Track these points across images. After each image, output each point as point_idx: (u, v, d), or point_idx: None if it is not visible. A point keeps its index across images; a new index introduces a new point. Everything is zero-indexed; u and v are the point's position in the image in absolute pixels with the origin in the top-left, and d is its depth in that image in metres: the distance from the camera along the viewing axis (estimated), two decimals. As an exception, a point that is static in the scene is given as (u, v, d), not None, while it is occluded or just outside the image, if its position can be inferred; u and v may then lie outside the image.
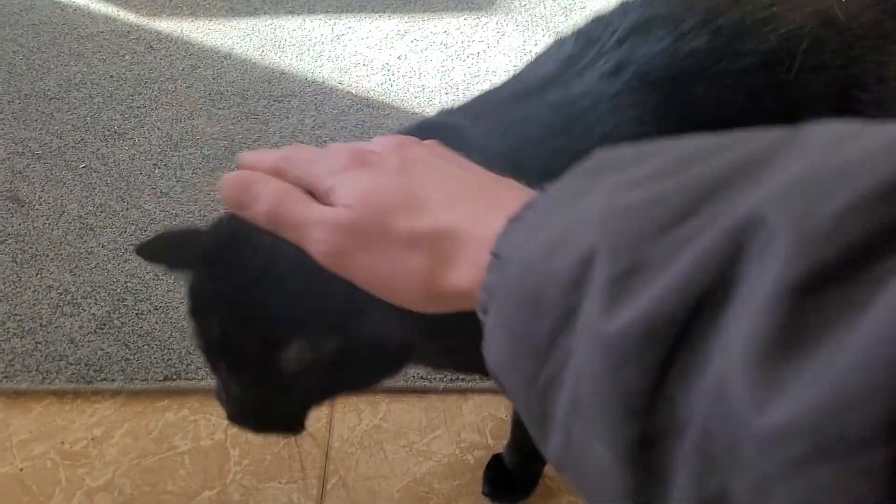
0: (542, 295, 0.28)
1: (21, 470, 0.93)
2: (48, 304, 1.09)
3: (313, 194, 0.40)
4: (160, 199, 1.25)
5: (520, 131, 0.63)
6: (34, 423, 0.97)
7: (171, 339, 1.04)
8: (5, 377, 1.00)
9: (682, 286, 0.23)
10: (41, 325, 1.06)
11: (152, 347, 1.03)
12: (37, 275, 1.13)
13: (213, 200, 1.25)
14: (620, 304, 0.25)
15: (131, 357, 1.02)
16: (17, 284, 1.11)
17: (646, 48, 0.66)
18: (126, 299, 1.10)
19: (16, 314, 1.08)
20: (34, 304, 1.09)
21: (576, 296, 0.27)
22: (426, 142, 0.44)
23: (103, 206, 1.24)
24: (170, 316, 1.07)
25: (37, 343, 1.04)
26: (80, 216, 1.22)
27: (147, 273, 1.13)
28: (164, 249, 0.56)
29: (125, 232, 1.20)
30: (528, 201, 0.33)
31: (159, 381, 0.99)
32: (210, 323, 0.53)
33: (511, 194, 0.37)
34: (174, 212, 1.23)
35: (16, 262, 1.15)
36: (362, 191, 0.38)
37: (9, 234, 1.19)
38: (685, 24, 0.66)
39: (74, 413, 0.98)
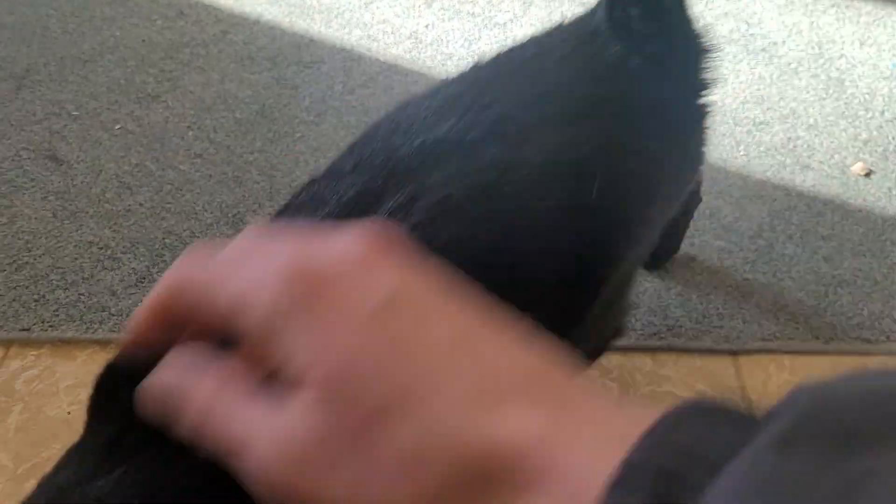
0: None
1: (69, 413, 0.97)
2: (89, 258, 1.13)
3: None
4: (194, 161, 1.28)
5: None
6: (79, 370, 1.01)
7: (208, 294, 1.08)
8: (51, 326, 1.04)
9: None
10: (83, 278, 1.10)
11: (191, 301, 1.07)
12: (77, 230, 1.17)
13: (245, 163, 1.28)
14: None
15: (171, 309, 1.06)
16: (58, 239, 1.15)
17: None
18: (164, 255, 1.13)
19: (58, 267, 1.11)
20: (76, 258, 1.13)
21: None
22: (393, 241, 0.27)
23: (139, 166, 1.27)
24: (207, 271, 1.11)
25: (79, 295, 1.08)
26: (118, 175, 1.26)
27: (184, 230, 1.17)
28: None
29: (161, 191, 1.23)
30: (651, 457, 0.21)
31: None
32: None
33: (568, 389, 0.24)
34: (209, 172, 1.26)
35: (57, 218, 1.18)
36: (327, 379, 0.24)
37: (49, 192, 1.22)
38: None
39: (117, 361, 1.02)
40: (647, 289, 1.09)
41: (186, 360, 0.29)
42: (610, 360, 1.02)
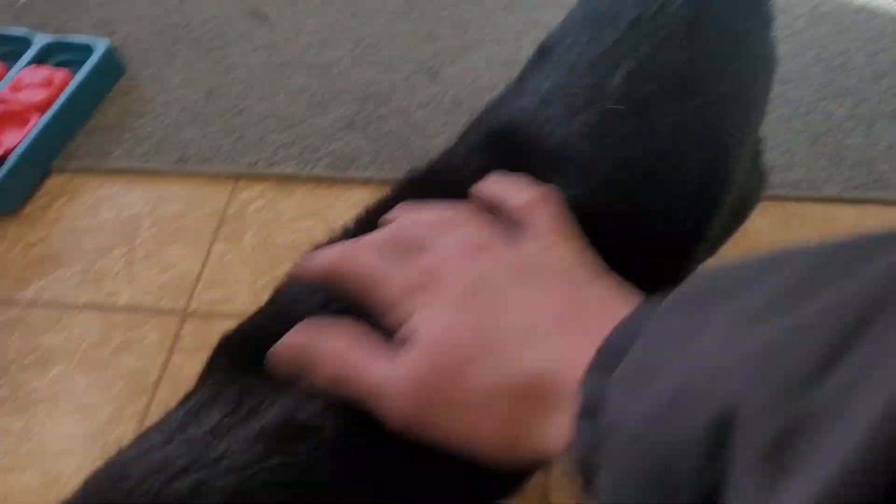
0: (670, 471, 0.22)
1: (292, 241, 1.07)
2: (300, 105, 1.21)
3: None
4: (389, 16, 1.33)
5: None
6: (299, 204, 1.10)
7: (411, 139, 1.14)
8: (272, 164, 1.13)
9: (870, 453, 0.16)
10: (296, 122, 1.18)
11: (395, 145, 1.13)
12: (287, 80, 1.25)
13: (438, 18, 1.31)
14: (784, 484, 0.18)
15: (379, 151, 1.13)
16: (272, 87, 1.24)
17: None
18: (367, 104, 1.20)
19: (273, 113, 1.20)
20: (288, 105, 1.21)
21: (715, 470, 0.21)
22: (493, 232, 0.38)
23: (337, 22, 1.33)
24: (409, 119, 1.17)
25: (294, 137, 1.16)
26: (318, 31, 1.32)
27: (384, 82, 1.23)
28: None
29: (360, 45, 1.29)
30: (620, 342, 0.28)
31: (405, 172, 1.09)
32: None
33: (603, 319, 0.30)
34: (403, 28, 1.30)
35: (267, 69, 1.27)
36: (432, 340, 0.34)
37: (258, 46, 1.31)
38: None
39: (332, 197, 1.11)
40: (850, 144, 1.06)
41: (313, 328, 0.38)
42: (810, 209, 1.01)
